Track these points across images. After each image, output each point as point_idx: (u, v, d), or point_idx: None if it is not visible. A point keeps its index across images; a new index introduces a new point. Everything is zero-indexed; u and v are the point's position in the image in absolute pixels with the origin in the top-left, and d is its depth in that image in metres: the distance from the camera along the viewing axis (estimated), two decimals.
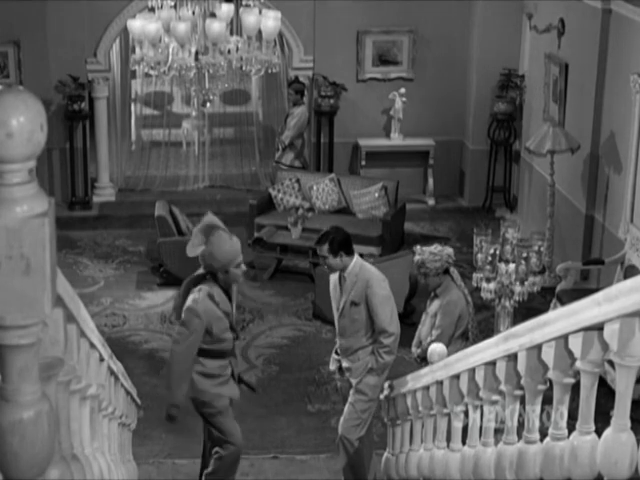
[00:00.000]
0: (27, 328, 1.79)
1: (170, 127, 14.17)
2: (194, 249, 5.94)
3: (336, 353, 6.74)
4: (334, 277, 6.62)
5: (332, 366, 6.85)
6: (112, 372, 4.40)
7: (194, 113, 14.68)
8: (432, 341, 6.57)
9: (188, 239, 10.29)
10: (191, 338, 6.03)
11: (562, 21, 10.82)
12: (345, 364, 6.60)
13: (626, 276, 8.89)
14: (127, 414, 5.40)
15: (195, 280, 6.10)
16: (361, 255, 10.72)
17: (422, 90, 12.82)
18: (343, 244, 6.47)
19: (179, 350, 6.09)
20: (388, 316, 6.42)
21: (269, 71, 9.41)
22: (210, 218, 6.03)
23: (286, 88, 12.95)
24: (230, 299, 6.18)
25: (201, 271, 6.10)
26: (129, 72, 13.21)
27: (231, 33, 9.43)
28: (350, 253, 6.51)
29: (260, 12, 9.07)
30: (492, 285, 7.67)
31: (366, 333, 6.48)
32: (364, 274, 6.48)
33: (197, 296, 5.96)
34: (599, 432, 3.38)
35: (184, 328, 6.04)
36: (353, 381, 6.55)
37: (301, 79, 12.60)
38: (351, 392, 6.64)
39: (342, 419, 6.67)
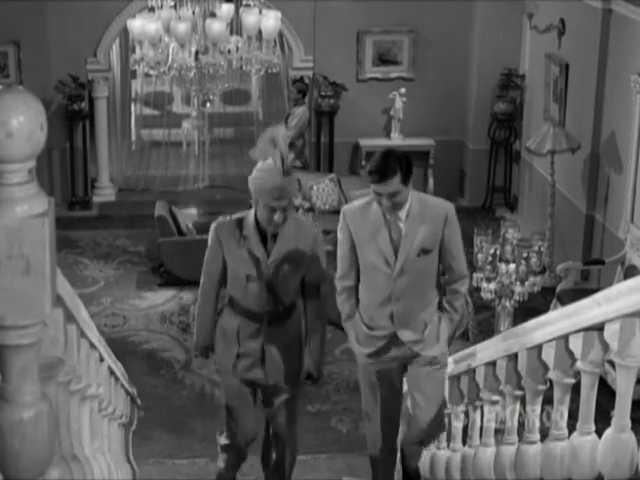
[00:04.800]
0: (27, 328, 1.79)
1: (170, 127, 14.17)
2: (258, 154, 5.02)
3: (367, 327, 4.93)
4: (363, 221, 4.81)
5: (366, 349, 4.97)
6: (112, 372, 4.39)
7: (194, 113, 14.68)
8: None
9: (188, 239, 10.38)
10: (205, 259, 5.03)
11: (562, 21, 10.82)
12: (409, 336, 4.85)
13: (626, 276, 8.89)
14: (127, 414, 5.39)
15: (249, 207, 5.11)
16: None
17: (422, 90, 12.81)
18: (410, 169, 4.65)
19: (203, 270, 5.09)
20: (464, 255, 4.95)
21: (269, 71, 9.41)
22: (281, 136, 5.02)
23: (287, 88, 12.95)
24: (266, 246, 4.87)
25: None
26: (129, 72, 13.20)
27: (231, 33, 9.44)
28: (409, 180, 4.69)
29: (260, 12, 9.07)
30: (492, 285, 7.67)
31: (431, 288, 4.86)
32: (432, 206, 4.77)
33: (224, 217, 4.98)
34: (599, 432, 3.38)
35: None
36: (427, 354, 4.91)
37: (305, 80, 12.60)
38: (411, 372, 4.99)
39: (418, 420, 5.04)
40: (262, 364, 5.01)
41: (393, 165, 4.54)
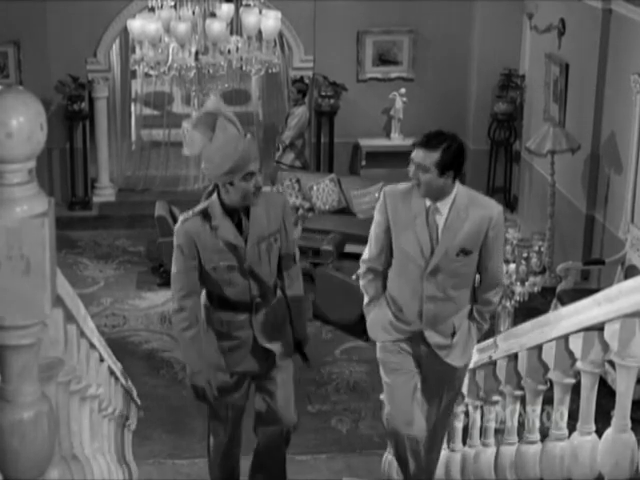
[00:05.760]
0: (27, 328, 1.79)
1: (170, 127, 14.16)
2: (191, 146, 4.46)
3: (397, 319, 4.59)
4: (404, 209, 4.48)
5: (388, 336, 4.61)
6: (112, 372, 4.39)
7: (194, 113, 14.66)
8: None
9: None
10: (177, 265, 4.71)
11: (562, 21, 10.81)
12: (435, 339, 4.54)
13: (627, 276, 8.89)
14: (126, 414, 5.39)
15: (207, 195, 4.67)
16: (360, 256, 10.81)
17: (422, 90, 12.81)
18: (457, 160, 4.38)
19: (172, 278, 4.76)
20: (502, 263, 4.68)
21: (269, 71, 9.42)
22: (213, 103, 4.59)
23: (287, 88, 12.95)
24: (241, 229, 4.54)
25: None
26: (129, 72, 13.20)
27: (231, 33, 9.44)
28: (458, 177, 4.44)
29: (260, 12, 9.08)
30: None
31: (465, 292, 4.54)
32: (481, 205, 4.44)
33: (185, 214, 4.62)
34: (600, 432, 3.38)
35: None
36: (452, 363, 4.59)
37: (305, 80, 12.60)
38: (430, 372, 4.65)
39: (434, 424, 4.74)
40: (255, 354, 4.69)
41: (438, 140, 4.37)
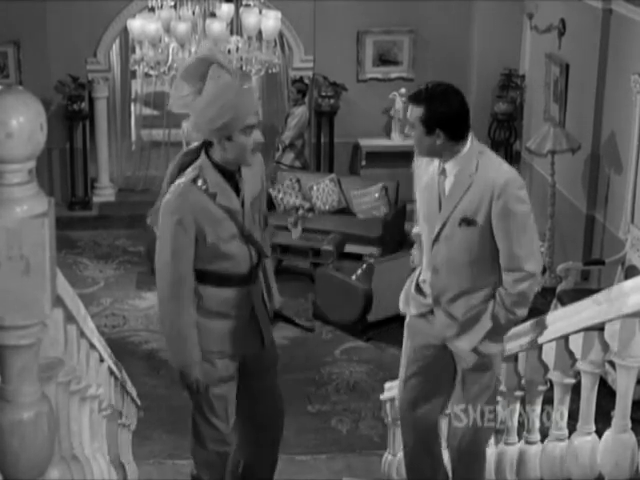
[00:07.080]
0: (27, 329, 1.79)
1: (170, 127, 14.16)
2: (180, 100, 3.95)
3: (418, 291, 4.11)
4: (428, 166, 4.01)
5: (409, 308, 4.14)
6: (112, 372, 4.39)
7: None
8: None
9: None
10: (170, 247, 3.96)
11: (563, 21, 10.81)
12: (442, 317, 4.00)
13: (627, 277, 8.89)
14: (127, 415, 5.39)
15: (189, 157, 4.13)
16: (361, 256, 10.86)
17: None
18: (448, 119, 3.85)
19: (159, 267, 4.03)
20: (529, 245, 3.83)
21: (269, 71, 9.42)
22: (206, 48, 4.13)
23: (287, 88, 12.96)
24: (238, 191, 4.03)
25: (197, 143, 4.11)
26: (129, 72, 13.20)
27: (231, 33, 9.45)
28: (458, 138, 3.90)
29: (260, 12, 9.09)
30: None
31: (481, 270, 3.91)
32: (488, 172, 3.83)
33: (177, 184, 4.04)
34: (600, 432, 3.38)
35: (161, 234, 4.03)
36: (456, 344, 3.98)
37: (305, 80, 12.61)
38: (461, 369, 4.04)
39: (454, 426, 4.07)
40: (252, 333, 4.18)
41: (426, 94, 3.82)
